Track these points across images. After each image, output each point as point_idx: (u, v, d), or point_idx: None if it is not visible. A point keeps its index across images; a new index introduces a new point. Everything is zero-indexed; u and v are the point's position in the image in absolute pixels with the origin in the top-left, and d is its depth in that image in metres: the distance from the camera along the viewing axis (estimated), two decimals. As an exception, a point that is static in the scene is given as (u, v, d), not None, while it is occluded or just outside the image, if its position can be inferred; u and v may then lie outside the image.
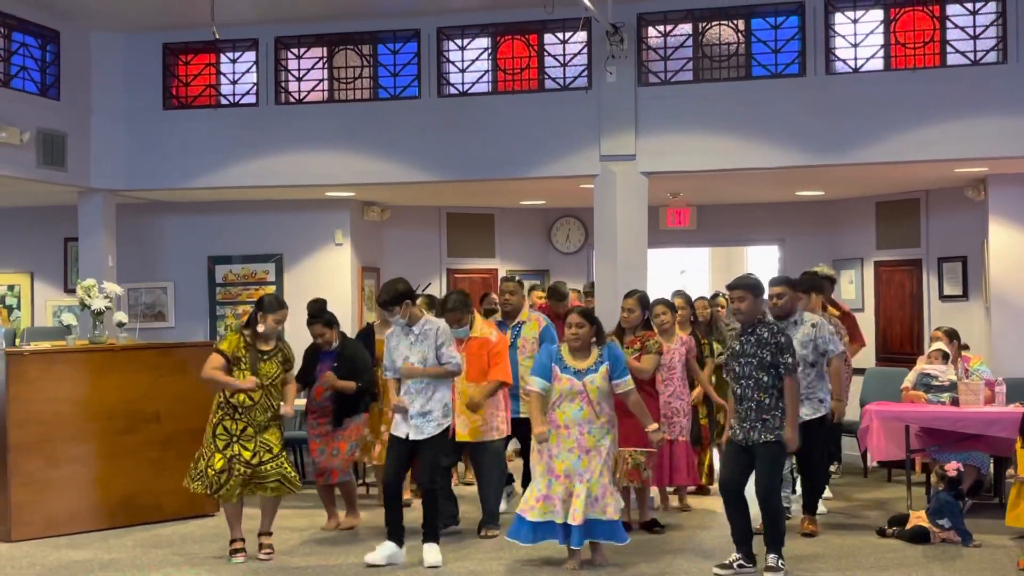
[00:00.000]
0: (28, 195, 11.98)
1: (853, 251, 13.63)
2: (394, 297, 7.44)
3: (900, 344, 13.00)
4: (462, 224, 14.47)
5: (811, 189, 12.81)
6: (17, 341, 11.39)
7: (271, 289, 12.75)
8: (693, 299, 10.14)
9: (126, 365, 9.10)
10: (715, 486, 9.73)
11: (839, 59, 10.29)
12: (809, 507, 8.32)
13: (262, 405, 7.65)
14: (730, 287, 7.45)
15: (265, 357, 7.70)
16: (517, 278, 9.58)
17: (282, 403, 7.78)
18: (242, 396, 7.59)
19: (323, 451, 8.62)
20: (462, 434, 8.30)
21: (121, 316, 9.38)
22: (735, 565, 7.06)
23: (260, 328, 7.69)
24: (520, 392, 8.77)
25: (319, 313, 8.82)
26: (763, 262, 17.73)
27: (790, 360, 7.07)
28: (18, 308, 13.44)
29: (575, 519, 6.97)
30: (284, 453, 7.80)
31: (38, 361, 8.69)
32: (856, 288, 13.59)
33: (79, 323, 9.43)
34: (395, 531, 7.51)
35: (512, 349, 8.75)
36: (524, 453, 9.14)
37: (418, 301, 7.81)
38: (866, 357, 12.90)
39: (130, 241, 12.35)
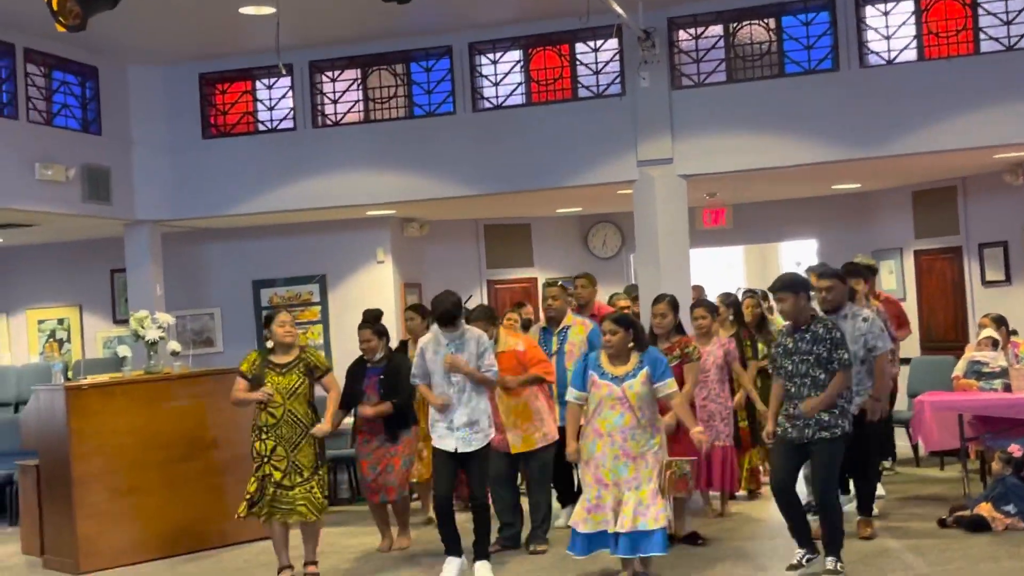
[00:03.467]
0: (74, 229, 12.17)
1: (891, 241, 13.59)
2: (452, 314, 7.33)
3: (944, 332, 12.96)
4: (500, 235, 14.56)
5: (847, 182, 12.81)
6: (70, 374, 11.58)
7: (316, 310, 12.89)
8: (743, 297, 10.10)
9: (182, 393, 9.21)
10: (758, 489, 9.79)
11: (872, 52, 10.28)
12: (864, 508, 8.15)
13: (286, 420, 7.54)
14: (771, 289, 7.40)
15: (283, 370, 7.63)
16: (560, 282, 9.47)
17: (323, 420, 7.73)
18: (264, 416, 7.56)
19: (376, 468, 8.43)
20: (516, 446, 8.21)
21: (175, 345, 9.49)
22: (804, 561, 7.03)
23: (269, 344, 7.71)
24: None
25: (372, 320, 8.73)
26: (798, 257, 17.72)
27: (845, 355, 7.03)
28: (68, 341, 13.62)
29: (624, 526, 6.83)
30: (317, 476, 7.66)
31: (97, 394, 8.82)
32: (897, 278, 13.56)
33: (133, 354, 9.56)
34: (455, 546, 7.42)
35: (560, 355, 8.70)
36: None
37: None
38: (911, 346, 12.89)
39: (175, 269, 12.50)
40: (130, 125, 11.52)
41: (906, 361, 11.76)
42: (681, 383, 7.80)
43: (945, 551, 7.52)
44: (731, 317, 9.78)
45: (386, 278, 12.91)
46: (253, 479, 7.60)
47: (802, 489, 7.92)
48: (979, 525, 8.02)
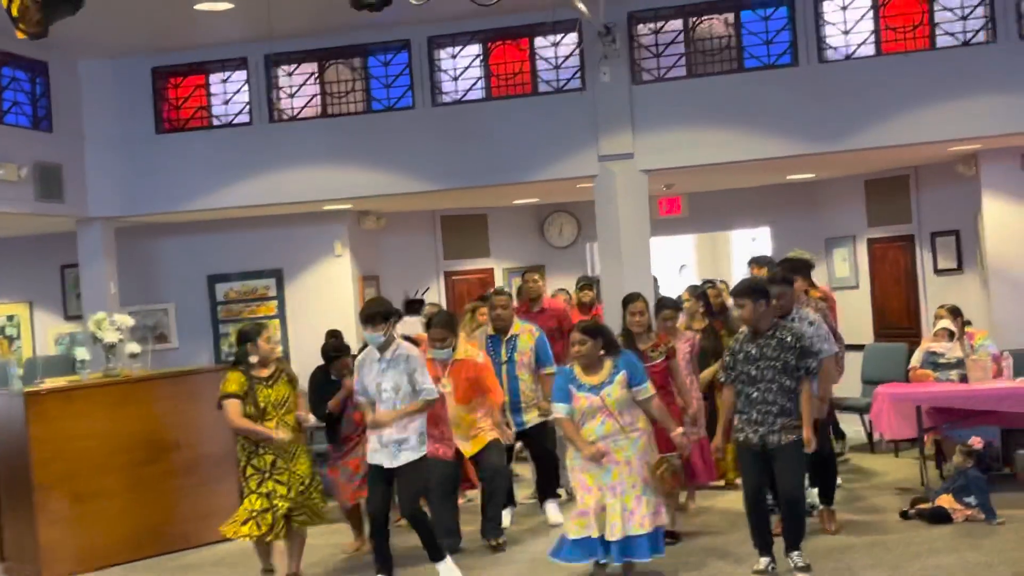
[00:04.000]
0: (24, 225, 11.93)
1: (844, 230, 13.75)
2: (378, 313, 7.24)
3: (897, 319, 13.15)
4: (456, 226, 14.51)
5: (801, 172, 12.92)
6: (20, 371, 11.39)
7: (273, 305, 12.78)
8: (699, 290, 10.17)
9: (143, 396, 9.15)
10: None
11: (831, 47, 10.37)
12: (827, 499, 8.22)
13: (281, 430, 7.50)
14: (733, 293, 7.42)
15: (268, 383, 7.56)
16: (507, 290, 9.60)
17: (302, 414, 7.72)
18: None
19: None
20: (467, 450, 8.27)
21: (133, 347, 9.39)
22: (770, 568, 7.07)
23: (253, 359, 7.56)
24: (522, 405, 8.86)
25: (339, 348, 8.57)
26: (748, 246, 17.84)
27: (813, 364, 7.08)
28: (18, 338, 13.39)
29: (614, 534, 6.83)
30: (314, 484, 7.69)
31: (56, 399, 8.71)
32: (850, 266, 13.73)
33: (91, 357, 9.41)
34: (384, 565, 7.37)
35: (511, 364, 8.80)
36: (537, 459, 9.19)
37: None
38: (864, 333, 13.09)
39: (128, 263, 12.30)
40: (82, 121, 11.30)
41: (859, 347, 11.94)
42: (667, 380, 8.00)
43: (909, 545, 7.64)
44: (701, 309, 9.82)
45: (344, 271, 12.82)
46: (255, 497, 7.44)
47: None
48: (940, 517, 8.15)
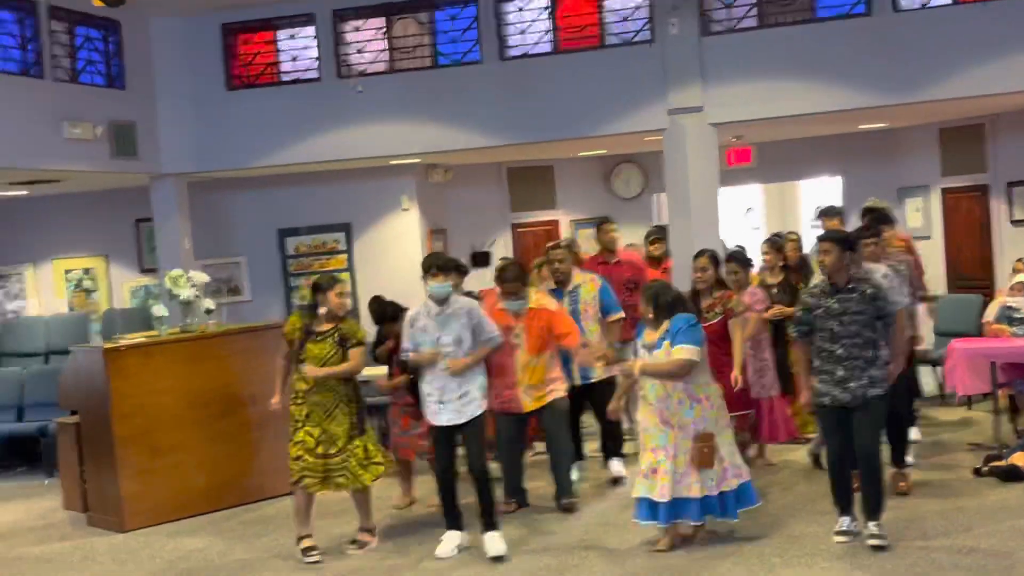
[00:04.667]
0: (99, 181, 12.14)
1: (918, 179, 13.53)
2: (451, 262, 7.26)
3: (971, 270, 12.96)
4: (523, 178, 14.50)
5: (874, 122, 12.71)
6: (98, 323, 11.61)
7: (342, 258, 12.91)
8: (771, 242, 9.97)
9: (218, 351, 9.27)
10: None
11: (906, -5, 10.18)
12: (898, 459, 8.05)
13: (321, 386, 7.41)
14: (820, 238, 7.14)
15: (319, 338, 7.49)
16: (564, 243, 9.35)
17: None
18: (299, 381, 7.45)
19: (418, 425, 8.26)
20: (528, 404, 8.07)
21: (209, 303, 9.52)
22: (850, 528, 6.94)
23: (322, 310, 7.50)
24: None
25: (395, 314, 8.42)
26: (818, 196, 17.59)
27: (892, 309, 6.97)
28: (95, 291, 13.68)
29: (662, 495, 6.80)
30: (352, 444, 7.48)
31: (135, 354, 8.87)
32: (923, 216, 13.53)
33: (168, 313, 9.58)
34: (455, 521, 7.33)
35: (575, 316, 8.50)
36: (601, 418, 9.03)
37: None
38: (938, 284, 12.90)
39: (201, 217, 12.50)
40: (154, 78, 11.45)
41: (932, 299, 11.74)
42: (724, 339, 7.86)
43: (983, 505, 7.53)
44: (781, 263, 9.61)
45: (412, 225, 12.91)
46: (292, 444, 7.50)
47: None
48: (1014, 475, 8.06)
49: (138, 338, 9.27)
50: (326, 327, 7.55)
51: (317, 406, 7.45)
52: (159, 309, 9.40)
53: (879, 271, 7.67)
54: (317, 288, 7.61)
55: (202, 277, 9.55)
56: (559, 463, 8.21)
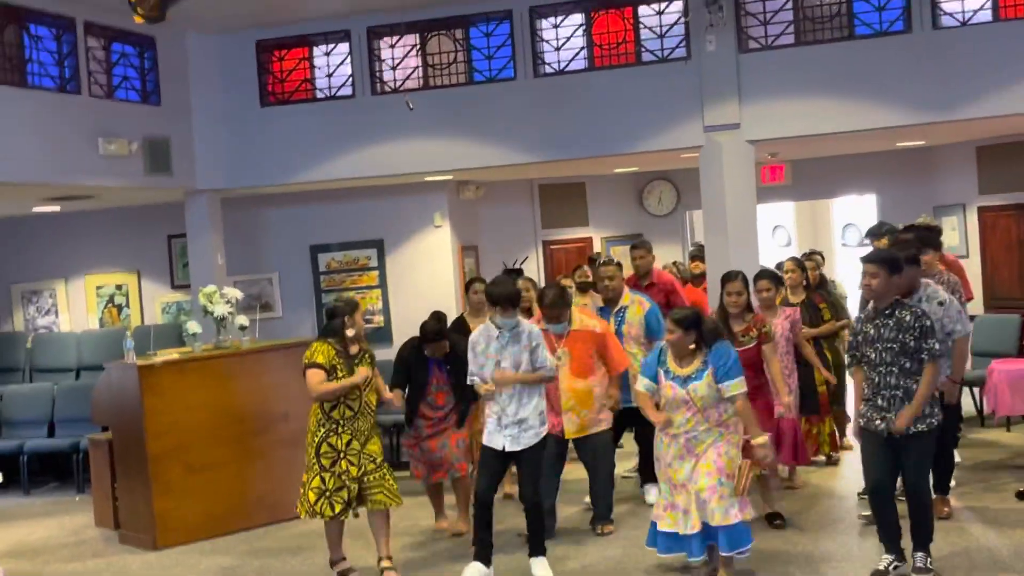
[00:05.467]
0: (132, 196, 12.16)
1: (954, 197, 13.41)
2: (514, 296, 7.06)
3: (1009, 290, 12.81)
4: (554, 195, 14.46)
5: (912, 140, 12.59)
6: (130, 338, 11.56)
7: (374, 275, 12.89)
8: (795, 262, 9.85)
9: (252, 367, 9.27)
10: (838, 454, 9.72)
11: (945, 13, 10.04)
12: (942, 487, 7.79)
13: (363, 412, 7.36)
14: (863, 260, 6.77)
15: (357, 361, 7.41)
16: (616, 260, 9.23)
17: (385, 391, 7.57)
18: (342, 408, 7.30)
19: (445, 445, 8.26)
20: (570, 431, 7.97)
21: (242, 319, 9.51)
22: (891, 568, 6.65)
23: (350, 332, 7.38)
24: (631, 380, 8.57)
25: (438, 332, 8.26)
26: (849, 214, 17.47)
27: (936, 346, 6.49)
28: (127, 306, 13.69)
29: (693, 527, 6.63)
30: (386, 465, 7.45)
31: (169, 371, 8.87)
32: (959, 235, 13.39)
33: (202, 329, 9.57)
34: (484, 551, 7.09)
35: (619, 337, 8.36)
36: (641, 441, 8.93)
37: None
38: (974, 304, 12.72)
39: (234, 234, 12.49)
40: (189, 95, 11.45)
41: (969, 319, 11.58)
42: (758, 363, 7.69)
43: (1029, 531, 7.42)
44: (804, 282, 9.57)
45: (443, 242, 12.86)
46: (328, 476, 7.27)
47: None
48: (1059, 499, 7.94)
49: (172, 354, 9.26)
50: (355, 349, 7.49)
51: (359, 433, 7.37)
52: (193, 325, 9.40)
53: (939, 296, 7.33)
54: (341, 312, 7.44)
55: (236, 293, 9.56)
56: (599, 492, 8.15)
